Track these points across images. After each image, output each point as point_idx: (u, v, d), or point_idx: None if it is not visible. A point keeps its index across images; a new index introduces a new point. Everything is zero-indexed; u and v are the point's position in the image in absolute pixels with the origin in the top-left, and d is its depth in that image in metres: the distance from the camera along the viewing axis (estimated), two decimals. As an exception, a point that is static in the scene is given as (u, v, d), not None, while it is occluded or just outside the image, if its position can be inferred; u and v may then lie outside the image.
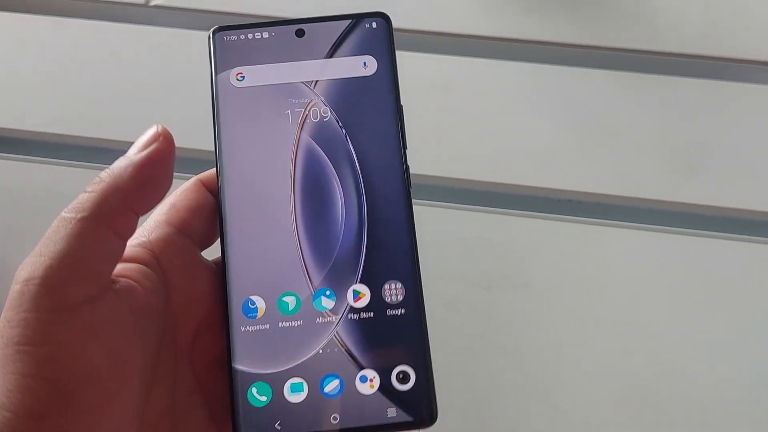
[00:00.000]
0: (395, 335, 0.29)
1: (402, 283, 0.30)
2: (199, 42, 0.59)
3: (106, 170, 0.28)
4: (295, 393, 0.28)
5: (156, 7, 0.62)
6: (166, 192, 0.29)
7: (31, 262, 0.25)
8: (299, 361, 0.29)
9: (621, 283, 0.47)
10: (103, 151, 0.53)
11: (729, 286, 0.47)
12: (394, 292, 0.29)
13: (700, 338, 0.45)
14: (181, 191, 0.31)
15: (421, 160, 0.53)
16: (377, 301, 0.29)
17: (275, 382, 0.29)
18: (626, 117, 0.54)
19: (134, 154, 0.28)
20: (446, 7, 0.60)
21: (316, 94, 0.32)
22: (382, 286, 0.30)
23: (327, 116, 0.31)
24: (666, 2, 0.60)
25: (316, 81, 0.32)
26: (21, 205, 0.52)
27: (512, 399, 0.43)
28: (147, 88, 0.56)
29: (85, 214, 0.26)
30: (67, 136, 0.55)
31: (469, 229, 0.49)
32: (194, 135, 0.54)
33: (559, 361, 0.44)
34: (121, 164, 0.28)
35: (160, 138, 0.28)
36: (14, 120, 0.56)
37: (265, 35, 0.32)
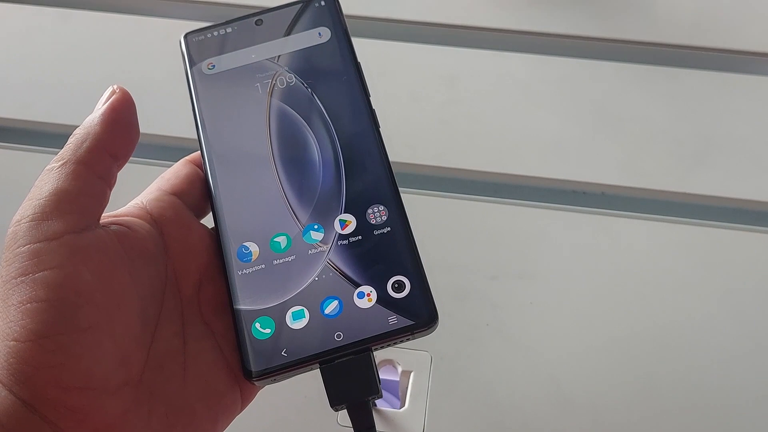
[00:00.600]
0: (385, 251, 0.31)
1: (384, 205, 0.31)
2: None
3: (78, 127, 0.31)
4: (297, 320, 0.30)
5: (162, -2, 0.63)
6: (136, 137, 0.32)
7: (21, 207, 0.28)
8: (297, 291, 0.30)
9: (627, 273, 0.47)
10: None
11: (735, 276, 0.47)
12: (377, 214, 0.31)
13: (705, 326, 0.45)
14: (171, 168, 0.34)
15: (428, 151, 0.53)
16: (363, 225, 0.31)
17: (277, 314, 0.30)
18: (633, 108, 0.54)
19: (98, 108, 0.31)
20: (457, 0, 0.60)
21: (281, 66, 0.35)
22: (365, 211, 0.31)
23: (292, 81, 0.34)
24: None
25: (279, 55, 0.35)
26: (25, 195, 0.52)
27: (518, 388, 0.43)
28: (152, 79, 0.56)
29: (64, 160, 0.29)
30: (74, 126, 0.55)
31: (475, 219, 0.49)
32: (189, 123, 0.54)
33: (565, 351, 0.44)
34: (89, 117, 0.31)
35: (116, 91, 0.32)
36: (20, 110, 0.56)
37: (229, 30, 0.36)
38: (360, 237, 0.31)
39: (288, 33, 0.36)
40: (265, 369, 0.29)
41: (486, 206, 0.50)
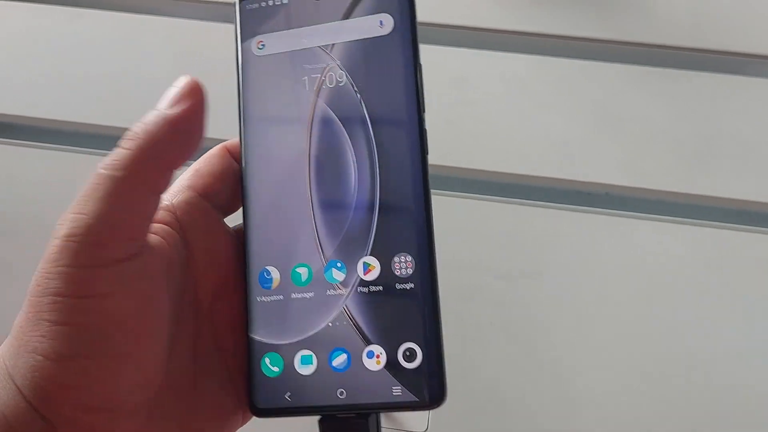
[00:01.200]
0: (403, 310, 0.28)
1: (412, 256, 0.28)
2: (213, 33, 0.60)
3: (139, 125, 0.28)
4: (305, 365, 0.29)
5: (170, -3, 0.63)
6: (200, 145, 0.29)
7: (71, 218, 0.26)
8: (309, 334, 0.29)
9: (632, 273, 0.47)
10: (117, 140, 0.54)
11: (737, 276, 0.47)
12: (404, 265, 0.29)
13: (709, 325, 0.45)
14: (206, 157, 0.32)
15: (436, 152, 0.53)
16: (387, 274, 0.29)
17: (287, 354, 0.29)
18: (635, 109, 0.55)
19: (166, 108, 0.28)
20: (461, 0, 0.60)
21: (333, 58, 0.31)
22: (392, 258, 0.29)
23: (342, 81, 0.31)
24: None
25: (333, 44, 0.31)
26: (36, 191, 0.52)
27: (524, 386, 0.43)
28: (162, 77, 0.57)
29: (124, 173, 0.26)
30: (82, 124, 0.56)
31: (482, 219, 0.50)
32: (209, 125, 0.55)
33: (571, 350, 0.45)
34: (154, 120, 0.28)
35: (192, 91, 0.29)
36: (30, 108, 0.56)
37: (285, 1, 0.32)
38: (381, 287, 0.29)
39: (347, 15, 0.31)
40: (269, 408, 0.29)
41: (490, 205, 0.50)
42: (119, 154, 0.27)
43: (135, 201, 0.27)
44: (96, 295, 0.26)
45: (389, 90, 0.30)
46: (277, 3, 0.32)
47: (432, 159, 0.53)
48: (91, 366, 0.26)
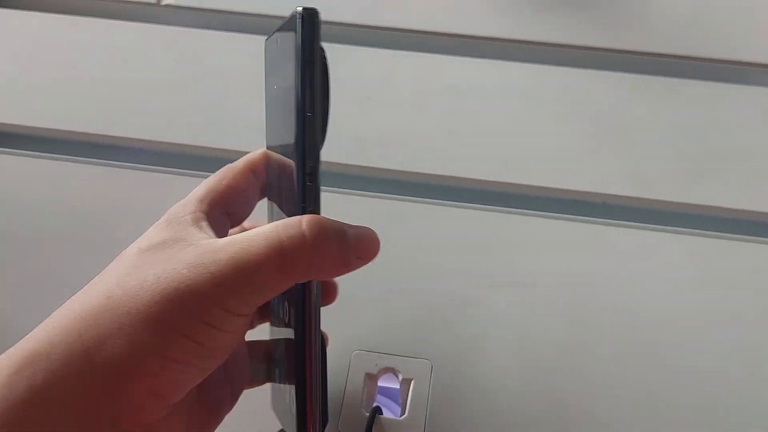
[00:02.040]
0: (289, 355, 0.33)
1: (292, 306, 0.32)
2: (213, 41, 0.60)
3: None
4: None
5: (167, 6, 0.63)
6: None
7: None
8: None
9: (628, 283, 0.47)
10: (116, 149, 0.54)
11: (737, 286, 0.47)
12: (287, 312, 0.33)
13: (710, 335, 0.45)
14: (229, 169, 0.35)
15: (431, 160, 0.53)
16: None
17: None
18: (635, 118, 0.55)
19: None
20: (456, 8, 0.61)
21: None
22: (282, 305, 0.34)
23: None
24: (676, 6, 0.60)
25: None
26: (35, 200, 0.52)
27: (518, 396, 0.43)
28: (159, 86, 0.57)
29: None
30: (81, 133, 0.56)
31: (476, 228, 0.50)
32: (205, 133, 0.55)
33: (563, 360, 0.45)
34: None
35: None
36: (29, 117, 0.56)
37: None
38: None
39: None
40: None
41: (488, 215, 0.50)
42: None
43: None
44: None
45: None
46: None
47: (430, 168, 0.54)
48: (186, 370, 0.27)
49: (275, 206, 0.34)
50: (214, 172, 0.35)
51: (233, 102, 0.55)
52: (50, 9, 0.63)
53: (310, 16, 0.30)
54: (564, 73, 0.57)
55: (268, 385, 0.38)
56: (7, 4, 0.64)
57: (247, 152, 0.36)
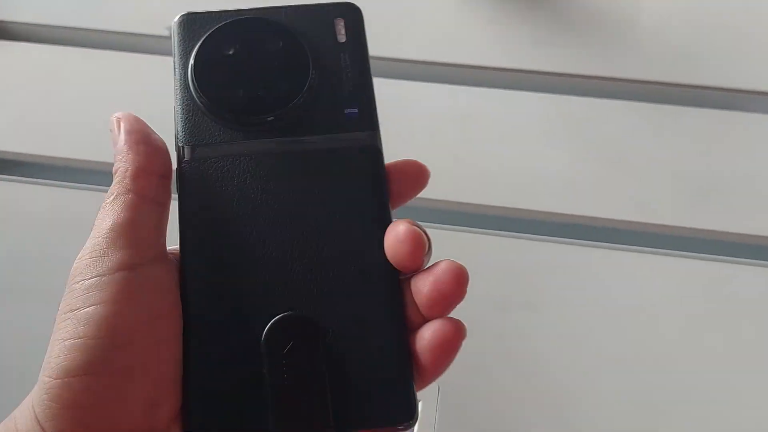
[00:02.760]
0: None
1: None
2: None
3: (114, 164, 0.31)
4: None
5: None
6: (166, 148, 0.32)
7: (84, 246, 0.29)
8: None
9: (633, 306, 0.48)
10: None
11: (739, 308, 0.48)
12: None
13: (713, 358, 0.46)
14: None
15: (442, 187, 0.54)
16: None
17: None
18: (640, 146, 0.56)
19: (118, 140, 0.32)
20: (461, 39, 0.62)
21: None
22: None
23: None
24: (678, 35, 0.62)
25: None
26: (53, 228, 0.53)
27: (524, 417, 0.44)
28: (169, 116, 0.58)
29: (114, 194, 0.29)
30: (95, 162, 0.57)
31: (485, 252, 0.51)
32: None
33: (571, 381, 0.45)
34: (117, 150, 0.31)
35: (120, 117, 0.32)
36: (43, 146, 0.58)
37: None
38: None
39: None
40: None
41: (496, 240, 0.51)
42: (109, 188, 0.30)
43: (130, 210, 0.29)
44: (98, 303, 0.27)
45: None
46: None
47: (441, 194, 0.55)
48: (93, 382, 0.26)
49: None
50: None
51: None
52: (62, 42, 0.65)
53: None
54: (571, 102, 0.59)
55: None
56: (20, 37, 0.66)
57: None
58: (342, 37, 0.34)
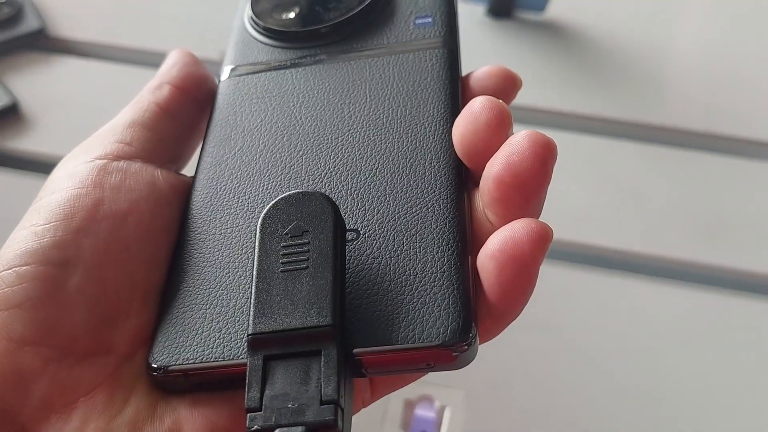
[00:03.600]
0: None
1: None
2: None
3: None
4: None
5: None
6: (208, 79, 0.31)
7: None
8: None
9: (645, 332, 0.52)
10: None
11: (742, 339, 0.52)
12: None
13: (718, 386, 0.49)
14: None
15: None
16: None
17: None
18: (653, 186, 0.60)
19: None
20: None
21: None
22: None
23: None
24: (699, 86, 0.66)
25: None
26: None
27: (544, 428, 0.48)
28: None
29: (135, 101, 0.30)
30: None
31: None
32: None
33: (588, 398, 0.49)
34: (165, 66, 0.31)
35: (173, 52, 0.32)
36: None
37: None
38: None
39: None
40: None
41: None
42: None
43: (152, 117, 0.29)
44: (65, 189, 0.25)
45: None
46: None
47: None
48: (32, 275, 0.23)
49: None
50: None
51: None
52: (140, 63, 0.69)
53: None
54: (590, 142, 0.63)
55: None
56: (77, 52, 0.70)
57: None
58: None
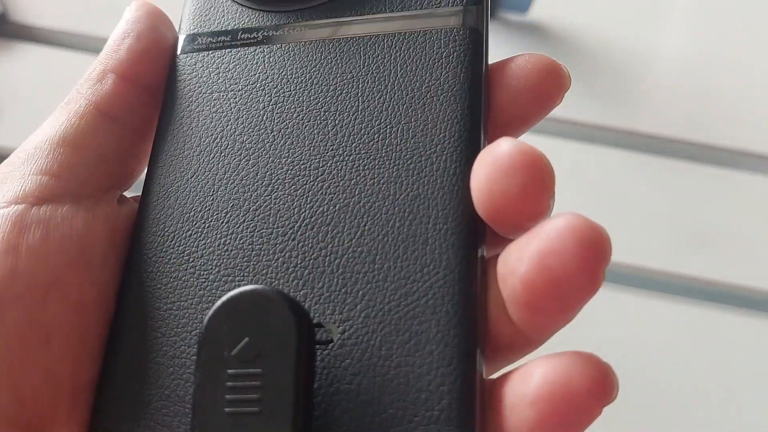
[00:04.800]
0: None
1: None
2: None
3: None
4: None
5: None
6: (164, 50, 0.24)
7: None
8: None
9: (627, 343, 0.50)
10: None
11: (724, 351, 0.50)
12: None
13: (703, 401, 0.48)
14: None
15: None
16: None
17: None
18: (638, 194, 0.59)
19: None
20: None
21: None
22: None
23: None
24: (687, 95, 0.65)
25: None
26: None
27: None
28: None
29: (67, 100, 0.23)
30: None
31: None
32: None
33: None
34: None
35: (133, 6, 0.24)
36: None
37: None
38: None
39: None
40: None
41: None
42: None
43: (87, 128, 0.22)
44: None
45: None
46: None
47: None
48: None
49: None
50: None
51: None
52: (84, 48, 0.66)
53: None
54: (571, 147, 0.61)
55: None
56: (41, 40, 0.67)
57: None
58: None
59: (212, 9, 0.23)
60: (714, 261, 0.55)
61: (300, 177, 0.19)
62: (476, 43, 0.21)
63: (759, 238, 0.56)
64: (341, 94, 0.20)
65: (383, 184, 0.19)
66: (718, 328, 0.52)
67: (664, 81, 0.67)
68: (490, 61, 0.22)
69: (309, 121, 0.20)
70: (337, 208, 0.19)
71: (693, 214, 0.57)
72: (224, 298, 0.17)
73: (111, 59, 0.22)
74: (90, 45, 0.66)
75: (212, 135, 0.21)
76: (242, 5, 0.23)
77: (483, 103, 0.20)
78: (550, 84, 0.20)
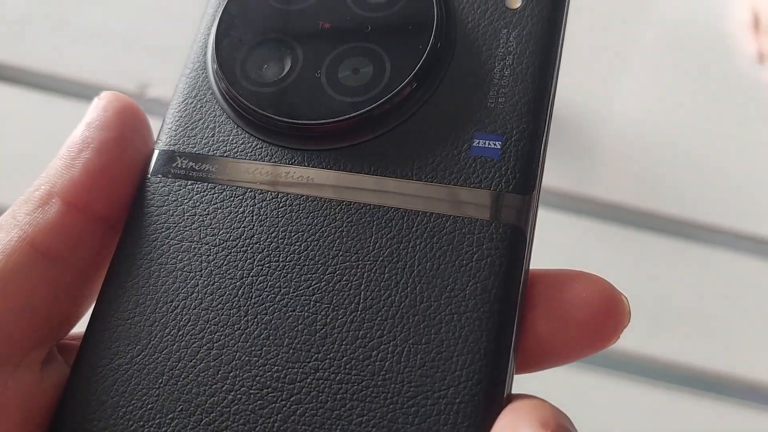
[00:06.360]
0: None
1: None
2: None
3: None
4: None
5: (150, 100, 0.63)
6: (130, 168, 0.20)
7: None
8: None
9: (586, 427, 0.49)
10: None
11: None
12: None
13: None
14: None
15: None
16: None
17: None
18: (597, 263, 0.58)
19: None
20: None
21: None
22: None
23: None
24: (640, 161, 0.65)
25: None
26: None
27: None
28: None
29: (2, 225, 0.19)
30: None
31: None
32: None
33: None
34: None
35: (101, 99, 0.21)
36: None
37: None
38: None
39: None
40: None
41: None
42: None
43: (19, 271, 0.18)
44: None
45: None
46: None
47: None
48: None
49: None
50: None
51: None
52: (32, 85, 0.62)
53: None
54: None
55: None
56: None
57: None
58: (516, 1, 0.18)
59: (201, 121, 0.19)
60: (670, 340, 0.54)
61: (273, 385, 0.15)
62: (515, 249, 0.17)
63: (718, 318, 0.56)
64: (341, 281, 0.16)
65: (372, 426, 0.15)
66: (679, 412, 0.51)
67: (615, 144, 0.66)
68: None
69: (295, 310, 0.16)
70: None
71: (648, 288, 0.57)
72: None
73: (60, 178, 0.18)
74: (31, 80, 0.62)
75: (178, 295, 0.17)
76: (240, 126, 0.18)
77: (515, 330, 0.16)
78: (608, 320, 0.17)
